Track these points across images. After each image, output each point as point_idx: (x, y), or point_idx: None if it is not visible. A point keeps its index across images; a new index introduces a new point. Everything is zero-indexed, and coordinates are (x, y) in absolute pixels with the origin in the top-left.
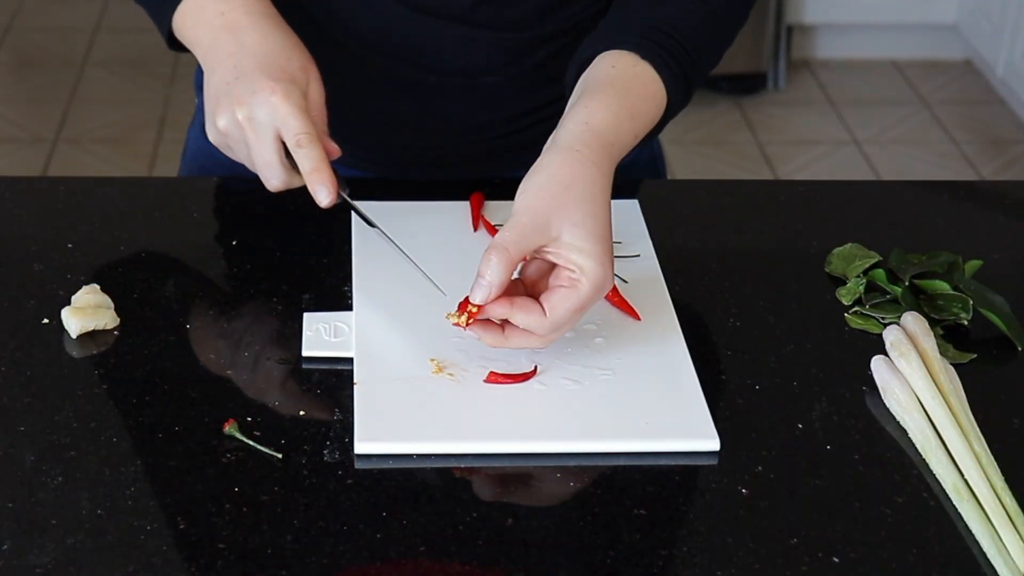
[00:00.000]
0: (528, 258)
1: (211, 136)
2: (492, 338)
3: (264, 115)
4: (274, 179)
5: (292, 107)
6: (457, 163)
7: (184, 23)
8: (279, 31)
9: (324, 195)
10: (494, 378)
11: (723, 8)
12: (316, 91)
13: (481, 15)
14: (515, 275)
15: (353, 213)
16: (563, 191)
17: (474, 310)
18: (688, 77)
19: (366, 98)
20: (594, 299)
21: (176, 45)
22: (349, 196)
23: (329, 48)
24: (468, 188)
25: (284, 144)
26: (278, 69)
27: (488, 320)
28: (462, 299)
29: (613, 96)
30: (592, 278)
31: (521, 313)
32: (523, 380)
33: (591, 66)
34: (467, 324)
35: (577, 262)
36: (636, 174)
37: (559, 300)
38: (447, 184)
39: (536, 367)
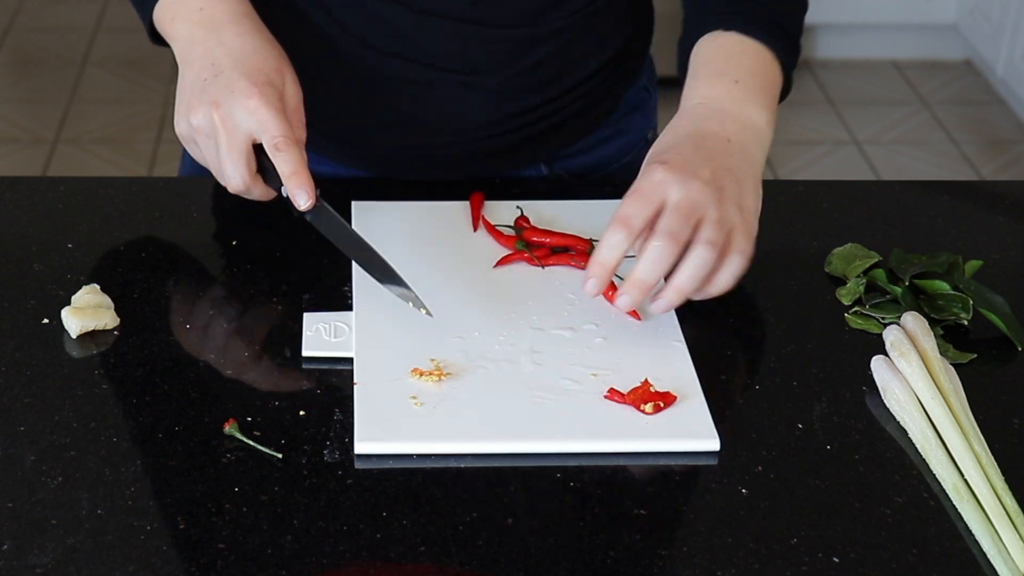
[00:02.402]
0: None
1: (179, 129)
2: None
3: (241, 117)
4: (237, 178)
5: (271, 110)
6: (456, 163)
7: (164, 16)
8: (256, 31)
9: (303, 199)
10: (613, 395)
11: None
12: (292, 93)
13: (479, 13)
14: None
15: (322, 223)
16: (663, 151)
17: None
18: (792, 37)
19: (363, 98)
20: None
21: (158, 39)
22: (327, 204)
23: (325, 49)
24: (468, 188)
25: (254, 148)
26: (255, 70)
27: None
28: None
29: (715, 73)
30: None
31: (642, 256)
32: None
33: (696, 49)
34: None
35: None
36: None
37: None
38: (447, 184)
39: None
